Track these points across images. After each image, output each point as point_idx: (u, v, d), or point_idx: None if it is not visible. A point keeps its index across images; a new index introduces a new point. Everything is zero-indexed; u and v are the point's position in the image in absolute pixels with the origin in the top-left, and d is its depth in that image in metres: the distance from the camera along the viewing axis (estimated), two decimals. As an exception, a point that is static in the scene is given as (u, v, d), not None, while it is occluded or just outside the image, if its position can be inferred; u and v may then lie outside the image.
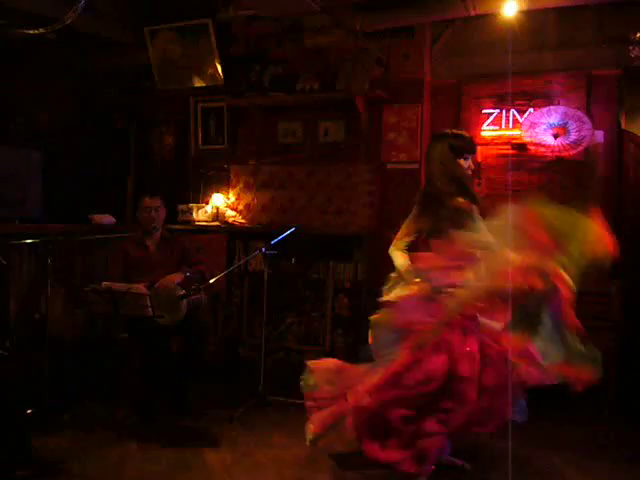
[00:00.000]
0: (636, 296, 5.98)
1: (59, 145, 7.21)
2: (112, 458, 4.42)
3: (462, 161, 4.33)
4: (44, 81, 7.50)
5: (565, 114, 5.99)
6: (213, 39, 7.02)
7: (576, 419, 5.31)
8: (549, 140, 6.03)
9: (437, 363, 3.93)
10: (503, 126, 6.31)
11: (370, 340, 4.38)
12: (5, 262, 4.55)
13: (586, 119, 5.95)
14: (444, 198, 4.20)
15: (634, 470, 4.40)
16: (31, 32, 5.97)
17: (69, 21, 5.77)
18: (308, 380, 4.25)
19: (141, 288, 4.89)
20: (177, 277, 5.31)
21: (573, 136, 5.96)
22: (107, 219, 6.69)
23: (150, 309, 4.84)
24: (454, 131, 4.44)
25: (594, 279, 5.91)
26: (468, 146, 4.38)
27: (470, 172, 4.45)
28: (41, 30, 5.93)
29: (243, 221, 7.20)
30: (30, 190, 6.34)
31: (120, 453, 4.51)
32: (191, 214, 7.17)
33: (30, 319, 5.49)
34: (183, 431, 4.98)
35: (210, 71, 7.21)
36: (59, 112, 7.76)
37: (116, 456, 4.46)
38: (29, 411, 4.87)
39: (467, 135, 4.45)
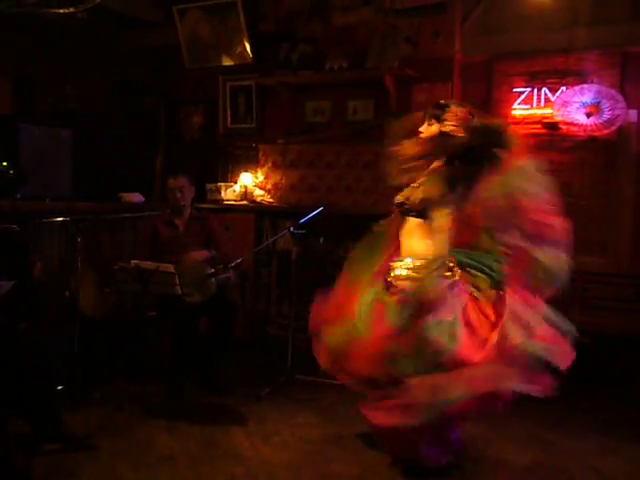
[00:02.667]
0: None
1: (89, 124, 7.20)
2: (141, 435, 4.46)
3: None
4: (74, 60, 7.52)
5: (598, 92, 5.89)
6: (242, 17, 7.00)
7: (605, 401, 5.27)
8: (581, 119, 5.93)
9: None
10: (535, 105, 6.21)
11: None
12: (17, 229, 4.53)
13: (620, 98, 5.84)
14: None
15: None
16: (62, 11, 5.97)
17: (99, 0, 5.77)
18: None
19: (170, 267, 4.90)
20: (201, 254, 5.34)
21: (606, 115, 5.86)
22: (136, 197, 6.71)
23: (179, 287, 4.86)
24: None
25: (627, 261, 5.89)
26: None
27: None
28: (71, 9, 5.94)
29: (271, 200, 7.20)
30: (60, 168, 6.36)
31: (148, 430, 4.54)
32: (219, 193, 7.18)
33: (60, 297, 5.53)
34: (211, 409, 5.01)
35: (239, 50, 7.20)
36: (89, 91, 7.79)
37: (144, 433, 4.49)
38: (60, 387, 4.94)
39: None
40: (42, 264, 4.84)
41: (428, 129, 4.21)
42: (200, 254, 5.35)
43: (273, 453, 4.26)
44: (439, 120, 4.15)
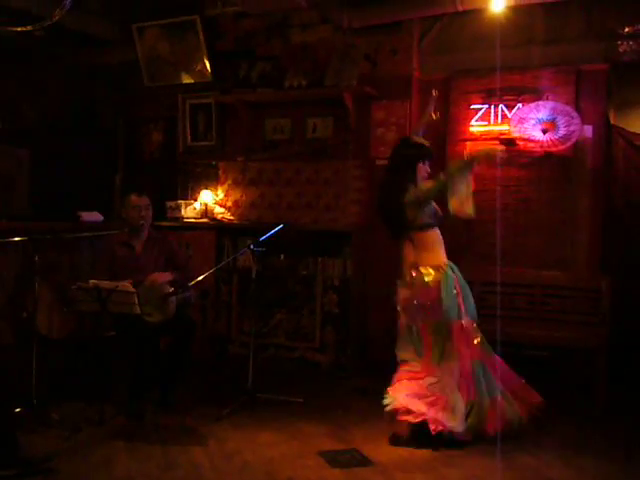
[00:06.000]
0: (625, 291, 5.99)
1: (47, 143, 7.16)
2: (100, 457, 4.39)
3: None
4: (32, 79, 7.46)
5: (554, 109, 5.98)
6: (201, 36, 7.01)
7: (565, 413, 5.31)
8: (538, 135, 6.01)
9: None
10: (492, 121, 6.29)
11: None
12: None
13: (575, 114, 5.94)
14: None
15: (621, 467, 4.37)
16: (18, 29, 5.92)
17: (56, 18, 5.73)
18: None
19: (128, 286, 4.85)
20: (165, 276, 5.29)
21: (562, 131, 5.95)
22: (95, 217, 6.64)
23: (138, 307, 4.81)
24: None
25: (584, 275, 5.96)
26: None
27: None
28: (28, 28, 5.89)
29: (232, 218, 7.19)
30: (17, 188, 6.30)
31: (108, 452, 4.48)
32: (180, 211, 7.15)
33: (18, 317, 5.45)
34: (171, 429, 4.95)
35: (198, 68, 7.21)
36: (47, 110, 7.72)
37: (104, 455, 4.42)
38: (17, 410, 4.85)
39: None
40: (1, 290, 4.78)
41: None
42: (164, 275, 5.30)
43: (234, 473, 4.21)
44: None
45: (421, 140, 5.05)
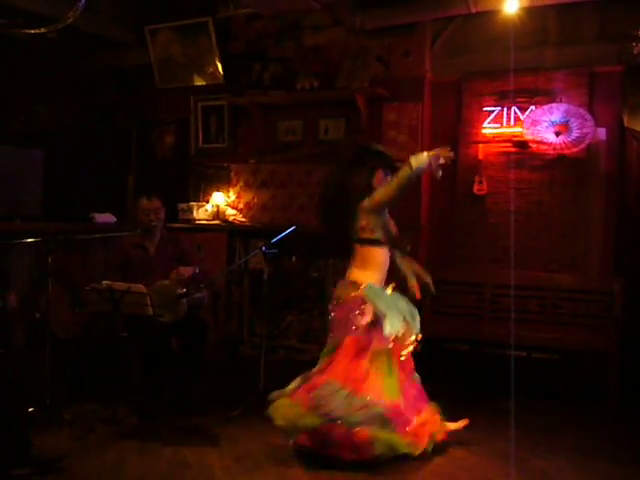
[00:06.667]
0: (638, 294, 5.96)
1: (61, 144, 7.20)
2: (112, 457, 4.40)
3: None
4: (46, 81, 7.52)
5: (567, 111, 5.96)
6: (213, 38, 7.03)
7: (577, 417, 5.29)
8: (551, 138, 6.00)
9: None
10: (504, 124, 6.28)
11: None
12: None
13: (588, 116, 5.92)
14: None
15: (633, 470, 4.35)
16: (32, 32, 5.96)
17: (70, 21, 5.77)
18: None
19: (141, 287, 4.87)
20: (189, 270, 5.30)
21: (575, 134, 5.93)
22: (108, 218, 6.68)
23: (150, 308, 4.83)
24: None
25: (597, 278, 5.94)
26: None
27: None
28: (42, 30, 5.93)
29: (243, 219, 7.20)
30: (31, 189, 6.34)
31: (120, 452, 4.48)
32: (191, 213, 7.17)
33: (31, 318, 5.48)
34: (183, 430, 4.95)
35: (210, 70, 7.23)
36: (61, 111, 7.77)
37: (116, 455, 4.43)
38: (30, 409, 4.87)
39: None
40: (16, 292, 4.80)
41: None
42: (187, 270, 5.31)
43: (246, 474, 4.22)
44: None
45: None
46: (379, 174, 4.58)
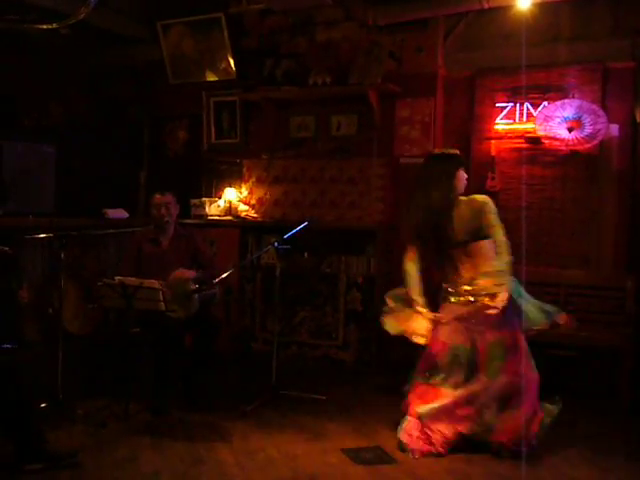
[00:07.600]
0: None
1: (73, 140, 7.21)
2: (125, 452, 4.42)
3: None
4: (58, 76, 7.52)
5: (580, 107, 5.94)
6: (225, 33, 7.03)
7: (590, 414, 5.29)
8: (563, 134, 5.97)
9: None
10: (517, 120, 6.25)
11: None
12: (10, 251, 4.50)
13: (601, 112, 5.89)
14: None
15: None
16: (45, 27, 5.98)
17: (82, 16, 5.78)
18: None
19: (154, 283, 4.89)
20: (189, 273, 5.30)
21: (588, 130, 5.90)
22: (120, 213, 6.69)
23: (163, 303, 4.85)
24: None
25: (609, 274, 5.92)
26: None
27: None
28: (55, 25, 5.94)
29: (256, 215, 7.20)
30: (44, 185, 6.35)
31: (133, 448, 4.50)
32: (204, 208, 7.17)
33: (44, 313, 5.49)
34: (195, 426, 4.97)
35: (223, 65, 7.23)
36: (73, 107, 7.78)
37: (129, 451, 4.45)
38: (43, 405, 4.90)
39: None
40: (28, 288, 4.81)
41: None
42: (187, 273, 5.31)
43: (258, 469, 4.23)
44: None
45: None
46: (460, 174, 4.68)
